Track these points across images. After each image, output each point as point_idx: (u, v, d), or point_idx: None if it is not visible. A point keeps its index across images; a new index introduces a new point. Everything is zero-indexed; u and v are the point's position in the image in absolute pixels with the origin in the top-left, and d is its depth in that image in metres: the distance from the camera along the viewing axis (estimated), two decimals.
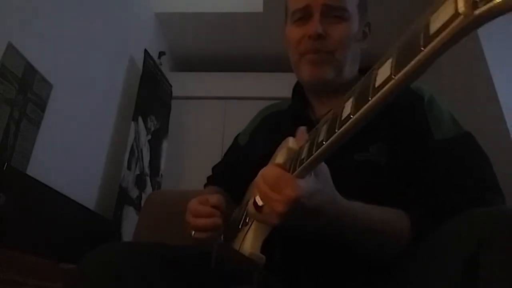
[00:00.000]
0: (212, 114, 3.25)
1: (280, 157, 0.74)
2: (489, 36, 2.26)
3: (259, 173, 0.61)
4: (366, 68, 0.90)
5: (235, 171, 1.00)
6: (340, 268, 0.70)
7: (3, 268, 1.15)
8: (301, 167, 0.57)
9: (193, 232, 0.77)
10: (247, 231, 0.70)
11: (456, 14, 0.27)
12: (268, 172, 0.59)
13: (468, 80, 2.41)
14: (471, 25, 0.27)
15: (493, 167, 0.71)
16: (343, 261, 0.70)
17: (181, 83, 3.26)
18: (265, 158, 0.80)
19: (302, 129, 0.66)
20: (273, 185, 0.57)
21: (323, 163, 0.60)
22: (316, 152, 0.54)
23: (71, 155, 1.92)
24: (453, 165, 0.71)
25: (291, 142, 0.70)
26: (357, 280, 0.69)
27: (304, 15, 0.83)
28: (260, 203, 0.60)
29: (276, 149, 0.79)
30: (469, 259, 0.42)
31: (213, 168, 1.11)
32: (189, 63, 3.66)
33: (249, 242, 0.67)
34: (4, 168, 1.35)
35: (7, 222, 1.32)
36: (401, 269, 0.59)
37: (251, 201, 0.63)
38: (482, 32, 2.26)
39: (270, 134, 0.85)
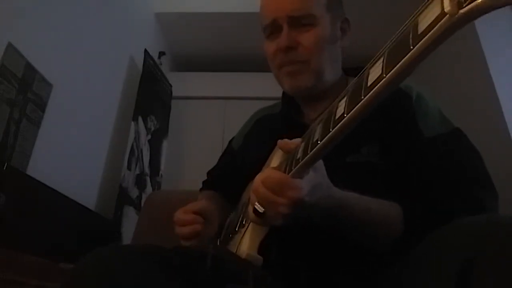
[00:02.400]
0: (212, 114, 3.25)
1: (275, 159, 0.75)
2: (489, 35, 2.26)
3: (257, 180, 0.61)
4: (352, 68, 0.90)
5: (230, 175, 1.01)
6: (337, 265, 0.71)
7: (3, 268, 1.15)
8: (297, 167, 0.58)
9: (182, 241, 0.80)
10: (244, 233, 0.71)
11: (443, 14, 0.28)
12: (267, 177, 0.60)
13: (468, 80, 2.41)
14: (456, 24, 0.28)
15: (493, 167, 0.72)
16: (339, 258, 0.71)
17: (181, 83, 3.26)
18: (260, 162, 0.80)
19: (280, 142, 0.67)
20: (275, 190, 0.58)
21: None
22: (311, 152, 0.54)
23: (71, 155, 1.92)
24: (443, 162, 0.72)
25: None
26: (353, 276, 0.69)
27: (274, 30, 0.84)
28: (261, 209, 0.61)
29: (270, 152, 0.80)
30: (462, 271, 0.42)
31: (208, 173, 1.12)
32: (189, 63, 3.67)
33: (246, 244, 0.67)
34: (4, 168, 1.35)
35: (7, 222, 1.32)
36: (394, 275, 0.60)
37: (251, 209, 0.63)
38: (482, 31, 2.26)
39: (264, 138, 0.86)
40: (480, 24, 2.26)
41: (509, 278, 0.39)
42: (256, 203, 0.61)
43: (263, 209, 0.61)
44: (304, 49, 0.81)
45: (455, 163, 0.72)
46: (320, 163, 0.61)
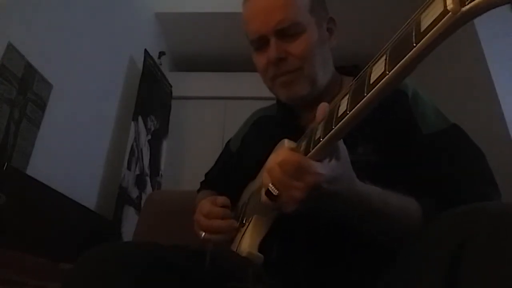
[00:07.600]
0: (212, 114, 3.25)
1: None
2: (489, 35, 2.27)
3: (272, 161, 0.59)
4: (349, 67, 0.89)
5: (228, 177, 1.01)
6: (337, 264, 0.71)
7: (3, 268, 1.15)
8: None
9: (202, 234, 0.76)
10: (245, 232, 0.70)
11: (445, 11, 0.28)
12: (284, 159, 0.57)
13: (468, 80, 2.41)
14: (459, 21, 0.28)
15: (493, 167, 0.71)
16: (340, 257, 0.71)
17: (181, 83, 3.26)
18: (258, 163, 0.80)
19: (322, 104, 0.61)
20: (292, 173, 0.55)
21: (343, 146, 0.59)
22: (313, 150, 0.54)
23: (71, 155, 1.92)
24: (447, 158, 0.71)
25: (286, 143, 0.71)
26: (354, 277, 0.69)
27: (261, 43, 0.83)
28: (275, 192, 0.58)
29: (268, 154, 0.80)
30: (451, 260, 0.42)
31: (206, 174, 1.12)
32: (189, 63, 3.67)
33: (246, 242, 0.67)
34: (4, 168, 1.35)
35: (7, 222, 1.32)
36: (389, 277, 0.59)
37: (263, 191, 0.60)
38: (482, 30, 2.26)
39: (261, 139, 0.85)
40: (480, 23, 2.26)
41: (499, 263, 0.39)
42: (271, 185, 0.58)
43: (277, 192, 0.58)
44: (295, 57, 0.80)
45: (458, 159, 0.71)
46: (345, 152, 0.59)
